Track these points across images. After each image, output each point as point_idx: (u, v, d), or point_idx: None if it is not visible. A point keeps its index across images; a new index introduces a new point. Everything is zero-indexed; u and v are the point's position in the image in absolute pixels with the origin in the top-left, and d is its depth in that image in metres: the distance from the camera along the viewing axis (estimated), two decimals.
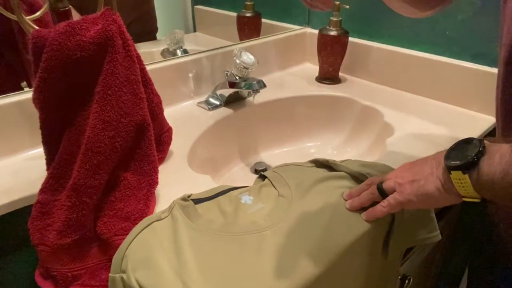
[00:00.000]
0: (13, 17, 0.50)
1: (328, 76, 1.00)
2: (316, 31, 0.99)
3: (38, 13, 0.55)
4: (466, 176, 0.42)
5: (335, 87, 0.98)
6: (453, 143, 0.46)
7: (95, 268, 0.51)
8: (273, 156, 0.91)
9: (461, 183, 0.42)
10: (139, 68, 0.55)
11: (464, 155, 0.42)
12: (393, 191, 0.49)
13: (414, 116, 0.83)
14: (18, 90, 0.67)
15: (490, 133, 0.79)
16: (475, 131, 0.77)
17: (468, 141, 0.44)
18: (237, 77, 0.81)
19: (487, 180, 0.41)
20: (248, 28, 1.05)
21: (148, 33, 0.92)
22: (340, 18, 0.94)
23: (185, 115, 0.84)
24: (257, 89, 0.81)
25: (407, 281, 0.68)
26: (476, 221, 0.67)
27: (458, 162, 0.42)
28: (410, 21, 0.91)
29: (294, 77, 1.05)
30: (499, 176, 0.39)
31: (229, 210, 0.52)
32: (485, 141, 0.43)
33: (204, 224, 0.49)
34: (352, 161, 0.61)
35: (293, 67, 1.11)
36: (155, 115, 0.62)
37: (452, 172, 0.43)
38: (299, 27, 1.11)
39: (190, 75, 0.88)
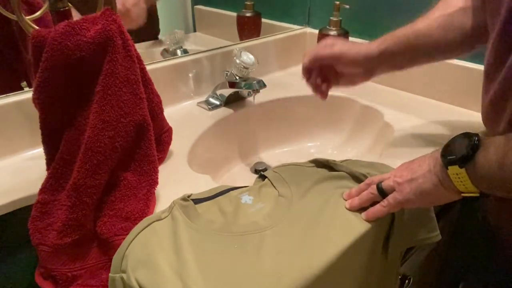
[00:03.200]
0: (13, 17, 0.50)
1: None
2: (316, 31, 0.99)
3: (38, 13, 0.55)
4: (463, 170, 0.42)
5: (335, 87, 0.98)
6: (449, 139, 0.46)
7: (95, 268, 0.51)
8: (273, 156, 0.91)
9: (459, 178, 0.42)
10: (139, 68, 0.55)
11: (459, 149, 0.42)
12: (393, 190, 0.49)
13: (414, 116, 0.83)
14: (18, 90, 0.67)
15: None
16: (475, 130, 0.77)
17: (463, 136, 0.44)
18: (237, 77, 0.81)
19: (484, 173, 0.41)
20: (248, 28, 1.05)
21: (150, 35, 0.92)
22: (340, 18, 0.94)
23: (185, 115, 0.84)
24: (257, 89, 0.81)
25: (407, 281, 0.68)
26: (476, 220, 0.67)
27: (454, 157, 0.42)
28: (410, 21, 0.91)
29: (294, 77, 1.05)
30: (496, 167, 0.40)
31: (229, 210, 0.52)
32: (479, 134, 0.43)
33: (204, 224, 0.49)
34: (352, 161, 0.61)
35: (293, 67, 1.11)
36: (155, 115, 0.62)
37: (449, 167, 0.43)
38: (299, 27, 1.11)
39: (190, 75, 0.88)
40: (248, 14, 1.04)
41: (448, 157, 0.43)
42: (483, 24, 0.58)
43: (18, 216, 0.56)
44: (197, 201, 0.53)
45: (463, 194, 0.44)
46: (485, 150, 0.41)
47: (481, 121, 0.61)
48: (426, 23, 0.63)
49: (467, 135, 0.44)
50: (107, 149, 0.51)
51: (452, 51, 0.65)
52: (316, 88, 0.70)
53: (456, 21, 0.61)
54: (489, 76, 0.55)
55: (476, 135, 0.43)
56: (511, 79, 0.50)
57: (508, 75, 0.50)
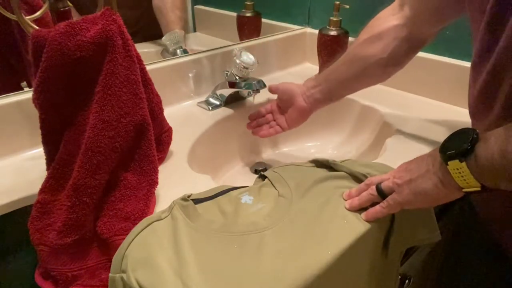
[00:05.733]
0: (13, 17, 0.50)
1: None
2: (316, 31, 0.99)
3: (38, 13, 0.55)
4: (464, 164, 0.41)
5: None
6: (447, 136, 0.46)
7: (95, 268, 0.51)
8: (273, 156, 0.91)
9: (459, 172, 0.42)
10: (139, 68, 0.55)
11: (459, 144, 0.42)
12: (392, 191, 0.49)
13: (414, 116, 0.83)
14: (18, 90, 0.67)
15: None
16: None
17: (461, 132, 0.44)
18: (237, 77, 0.81)
19: (486, 164, 0.40)
20: (248, 28, 1.05)
21: (156, 36, 0.92)
22: (340, 18, 0.94)
23: (185, 115, 0.84)
24: (257, 89, 0.81)
25: (407, 281, 0.68)
26: (476, 220, 0.68)
27: (454, 151, 0.42)
28: None
29: (294, 77, 1.05)
30: (498, 156, 0.39)
31: (229, 210, 0.52)
32: (477, 130, 0.43)
33: (204, 224, 0.49)
34: (352, 161, 0.61)
35: (293, 67, 1.11)
36: (155, 115, 0.62)
37: (449, 162, 0.43)
38: (299, 27, 1.11)
39: (190, 75, 0.88)
40: (248, 14, 1.04)
41: (447, 152, 0.43)
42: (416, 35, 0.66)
43: (18, 216, 0.56)
44: (197, 201, 0.53)
45: (464, 190, 0.43)
46: (485, 142, 0.41)
47: None
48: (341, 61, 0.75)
49: (465, 130, 0.43)
50: (107, 149, 0.51)
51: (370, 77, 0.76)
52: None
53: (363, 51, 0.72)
54: (476, 66, 0.54)
55: (474, 130, 0.43)
56: (502, 64, 0.49)
57: (498, 61, 0.49)
